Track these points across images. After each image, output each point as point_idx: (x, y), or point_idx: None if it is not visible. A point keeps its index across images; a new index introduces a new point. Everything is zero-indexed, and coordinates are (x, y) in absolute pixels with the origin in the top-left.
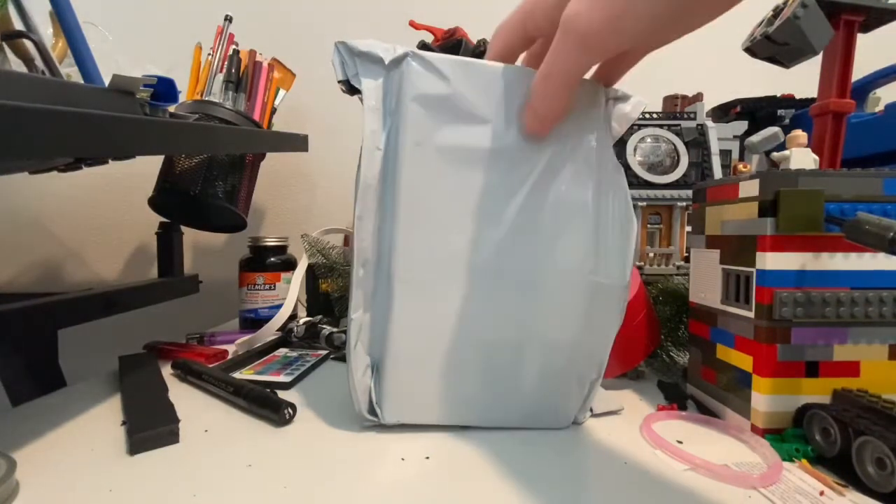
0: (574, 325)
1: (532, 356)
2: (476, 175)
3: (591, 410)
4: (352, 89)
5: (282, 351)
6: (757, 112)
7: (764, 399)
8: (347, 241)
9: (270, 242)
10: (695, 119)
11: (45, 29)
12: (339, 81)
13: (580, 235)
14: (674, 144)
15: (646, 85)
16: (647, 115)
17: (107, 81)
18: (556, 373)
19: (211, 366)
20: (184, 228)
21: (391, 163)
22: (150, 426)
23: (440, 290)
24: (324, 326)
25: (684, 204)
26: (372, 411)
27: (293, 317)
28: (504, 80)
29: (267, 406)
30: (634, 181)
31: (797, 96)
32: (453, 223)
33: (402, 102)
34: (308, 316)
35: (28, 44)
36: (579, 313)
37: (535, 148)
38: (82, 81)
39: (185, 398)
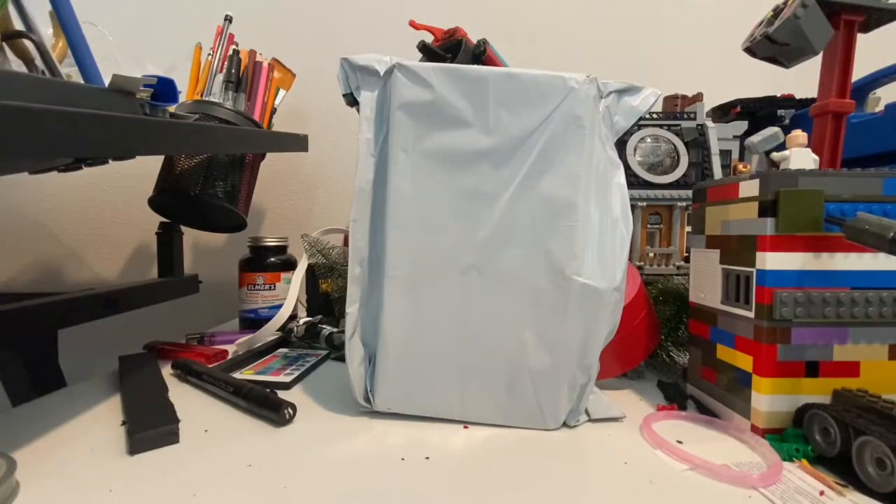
0: (557, 326)
1: (513, 355)
2: (461, 177)
3: (588, 415)
4: (354, 101)
5: (282, 351)
6: (757, 112)
7: (764, 399)
8: (347, 241)
9: (270, 242)
10: (695, 119)
11: (45, 29)
12: (343, 95)
13: (565, 237)
14: (674, 144)
15: (646, 85)
16: (647, 115)
17: (107, 81)
18: (538, 373)
19: (211, 366)
20: (184, 228)
21: (382, 168)
22: (150, 426)
23: (426, 287)
24: (324, 326)
25: (684, 204)
26: (367, 398)
27: (293, 317)
28: (487, 83)
29: (267, 406)
30: (634, 181)
31: (797, 96)
32: (439, 224)
33: (391, 111)
34: (308, 316)
35: (28, 44)
36: (563, 315)
37: (519, 149)
38: (82, 81)
39: (185, 398)
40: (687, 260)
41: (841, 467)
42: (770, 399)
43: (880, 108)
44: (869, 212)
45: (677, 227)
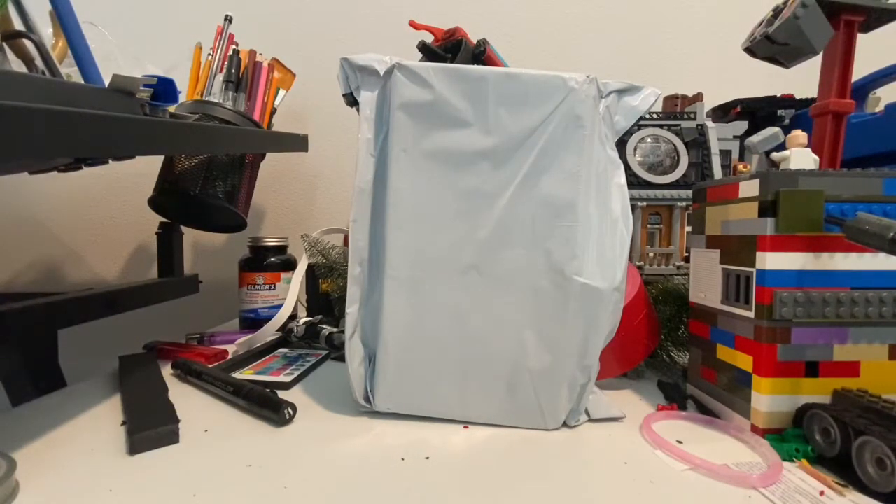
0: (557, 326)
1: (513, 355)
2: (461, 177)
3: (588, 415)
4: (354, 102)
5: (282, 351)
6: (757, 112)
7: (764, 399)
8: (347, 241)
9: (270, 242)
10: (695, 119)
11: (45, 29)
12: (343, 95)
13: (565, 237)
14: (674, 144)
15: (646, 85)
16: (647, 115)
17: (107, 81)
18: (539, 373)
19: (211, 366)
20: (184, 228)
21: (382, 168)
22: (150, 426)
23: (427, 287)
24: (324, 326)
25: (684, 204)
26: (367, 398)
27: (293, 317)
28: (487, 83)
29: (267, 406)
30: (634, 181)
31: (797, 96)
32: (440, 224)
33: (391, 111)
34: (308, 316)
35: (28, 44)
36: (563, 315)
37: (519, 149)
38: (82, 81)
39: (185, 398)
40: (687, 260)
41: (841, 467)
42: (770, 399)
43: (880, 108)
44: (869, 212)
45: (677, 227)
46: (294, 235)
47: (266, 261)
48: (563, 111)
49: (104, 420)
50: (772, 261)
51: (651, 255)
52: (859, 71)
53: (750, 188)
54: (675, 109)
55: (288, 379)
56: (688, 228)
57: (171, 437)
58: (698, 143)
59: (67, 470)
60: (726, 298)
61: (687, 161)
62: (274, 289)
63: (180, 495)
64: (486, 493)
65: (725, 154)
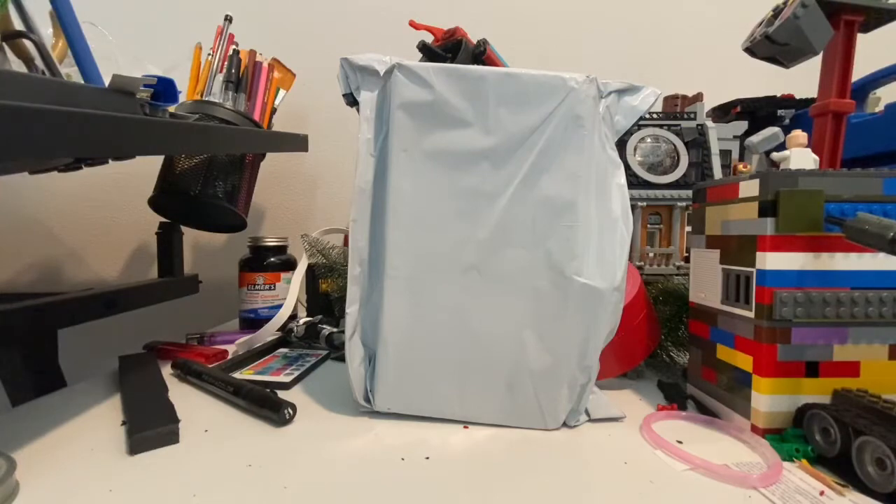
0: (557, 326)
1: (513, 355)
2: (461, 177)
3: (588, 415)
4: (354, 102)
5: (282, 351)
6: (757, 112)
7: (764, 399)
8: (347, 241)
9: (270, 242)
10: (695, 119)
11: (45, 29)
12: (343, 95)
13: (565, 237)
14: (674, 144)
15: (646, 85)
16: (647, 115)
17: (107, 81)
18: (539, 373)
19: (211, 366)
20: (184, 228)
21: (382, 168)
22: (150, 426)
23: (427, 287)
24: (323, 326)
25: (684, 204)
26: (367, 398)
27: (293, 317)
28: (487, 83)
29: (267, 406)
30: (634, 181)
31: (797, 96)
32: (440, 224)
33: (391, 111)
34: (308, 316)
35: (28, 44)
36: (563, 315)
37: (519, 149)
38: (82, 81)
39: (185, 398)
40: (687, 260)
41: (841, 467)
42: (770, 399)
43: (880, 108)
44: (869, 212)
45: (677, 227)
46: (294, 235)
47: (266, 261)
48: (563, 111)
49: (104, 420)
50: (772, 261)
51: (651, 255)
52: (859, 71)
53: (750, 188)
54: (675, 109)
55: (288, 379)
56: (688, 228)
57: (171, 437)
58: (698, 143)
59: (67, 470)
60: (726, 298)
61: (687, 161)
62: (274, 289)
63: (180, 495)
64: (486, 493)
65: (725, 154)
